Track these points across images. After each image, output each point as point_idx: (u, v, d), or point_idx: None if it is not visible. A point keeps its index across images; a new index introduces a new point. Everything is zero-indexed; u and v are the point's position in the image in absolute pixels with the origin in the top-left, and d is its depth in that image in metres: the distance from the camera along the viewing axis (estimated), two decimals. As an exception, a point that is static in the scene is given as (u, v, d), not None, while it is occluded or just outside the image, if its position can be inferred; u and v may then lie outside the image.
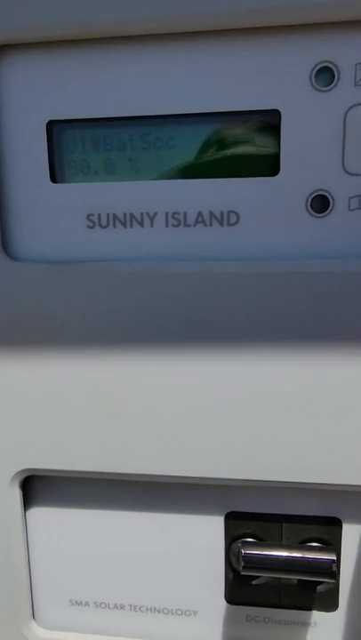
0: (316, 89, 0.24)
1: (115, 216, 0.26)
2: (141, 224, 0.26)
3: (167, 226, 0.26)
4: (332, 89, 0.24)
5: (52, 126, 0.26)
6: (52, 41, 0.25)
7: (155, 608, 0.31)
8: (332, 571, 0.26)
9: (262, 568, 0.27)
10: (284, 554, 0.27)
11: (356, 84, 0.24)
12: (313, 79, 0.24)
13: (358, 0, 0.22)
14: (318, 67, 0.24)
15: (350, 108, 0.24)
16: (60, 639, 0.32)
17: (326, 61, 0.24)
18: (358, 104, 0.24)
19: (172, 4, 0.23)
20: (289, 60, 0.24)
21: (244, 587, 0.30)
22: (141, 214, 0.26)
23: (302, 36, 0.24)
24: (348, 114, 0.24)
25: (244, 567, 0.27)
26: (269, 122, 0.25)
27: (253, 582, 0.30)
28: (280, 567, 0.27)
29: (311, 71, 0.24)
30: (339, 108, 0.24)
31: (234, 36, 0.24)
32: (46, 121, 0.26)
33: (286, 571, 0.27)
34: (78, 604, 0.32)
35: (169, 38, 0.24)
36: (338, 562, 0.28)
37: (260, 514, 0.29)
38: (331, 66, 0.24)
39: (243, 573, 0.27)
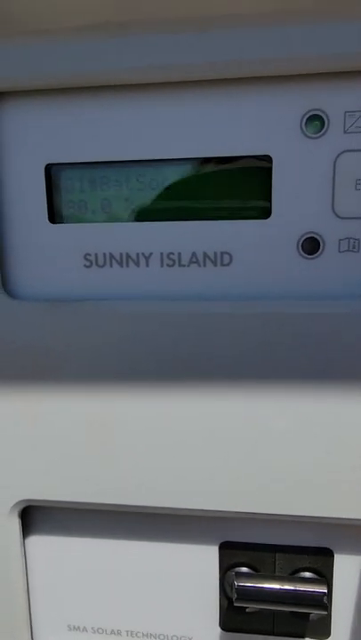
0: (306, 135, 0.25)
1: (111, 256, 0.27)
2: (137, 264, 0.27)
3: (162, 266, 0.27)
4: (322, 136, 0.25)
5: (50, 169, 0.27)
6: (50, 89, 0.26)
7: (151, 634, 0.32)
8: (323, 603, 0.26)
9: (255, 600, 0.27)
10: (277, 586, 0.27)
11: (345, 131, 0.25)
12: (304, 126, 0.25)
13: (346, 52, 0.23)
14: (309, 114, 0.25)
15: (340, 154, 0.25)
16: (59, 664, 0.32)
17: (316, 109, 0.24)
18: (347, 150, 0.25)
19: (167, 54, 0.24)
20: (281, 108, 0.25)
21: (238, 614, 0.30)
22: (137, 254, 0.27)
23: (293, 86, 0.24)
24: (337, 159, 0.25)
25: (237, 599, 0.27)
26: (262, 167, 0.25)
27: (247, 610, 0.30)
28: (273, 599, 0.27)
29: (302, 118, 0.25)
30: (329, 154, 0.25)
31: (228, 85, 0.25)
32: (45, 164, 0.27)
33: (279, 603, 0.27)
34: (76, 629, 0.32)
35: (164, 87, 0.25)
36: (329, 592, 0.28)
37: (254, 544, 0.29)
38: (321, 113, 0.24)
39: (236, 605, 0.28)
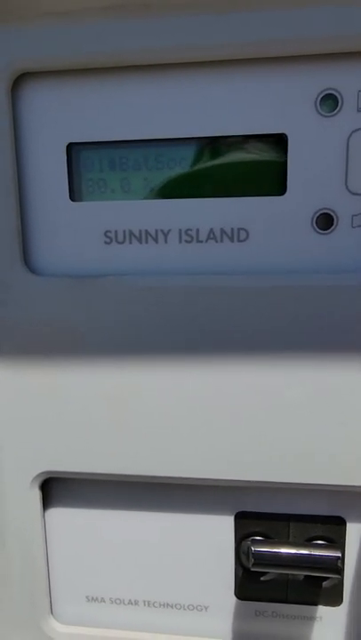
0: (320, 114, 0.26)
1: (131, 232, 0.28)
2: (156, 240, 0.28)
3: (180, 242, 0.28)
4: (335, 114, 0.26)
5: (71, 148, 0.28)
6: (71, 69, 0.26)
7: (167, 604, 0.33)
8: (337, 567, 0.27)
9: (271, 565, 0.28)
10: (292, 551, 0.28)
11: (358, 110, 0.25)
12: (318, 105, 0.26)
13: (357, 33, 0.24)
14: (323, 94, 0.25)
15: (353, 132, 0.26)
16: (77, 633, 0.33)
17: (330, 89, 0.25)
18: (360, 129, 0.26)
19: (187, 35, 0.25)
20: (296, 88, 0.26)
21: (252, 583, 0.31)
22: (156, 231, 0.28)
23: (308, 66, 0.25)
24: (350, 137, 0.26)
25: (254, 564, 0.28)
26: (277, 145, 0.26)
27: (262, 578, 0.31)
28: (288, 564, 0.28)
29: (316, 98, 0.26)
30: (342, 133, 0.26)
31: (245, 66, 0.26)
32: (66, 143, 0.28)
33: (294, 567, 0.28)
34: (94, 600, 0.33)
35: (183, 67, 0.26)
36: (342, 559, 0.29)
37: (268, 513, 0.30)
38: (335, 93, 0.25)
39: (253, 570, 0.29)
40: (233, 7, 0.24)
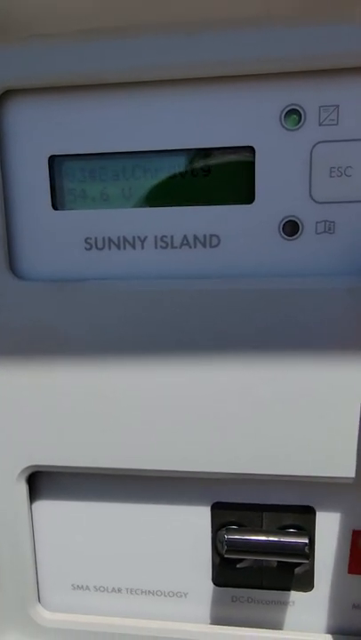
0: (285, 128, 0.27)
1: (110, 239, 0.30)
2: (133, 246, 0.30)
3: (156, 248, 0.29)
4: (299, 128, 0.27)
5: (53, 160, 0.29)
6: (53, 87, 0.28)
7: (149, 591, 0.34)
8: (304, 552, 0.29)
9: (243, 551, 0.30)
10: (263, 538, 0.30)
11: (320, 124, 0.27)
12: (283, 120, 0.27)
13: (321, 53, 0.26)
14: (287, 109, 0.27)
15: (315, 144, 0.27)
16: (64, 620, 0.35)
17: (294, 104, 0.27)
18: (322, 141, 0.27)
19: (159, 55, 0.27)
20: (262, 104, 0.27)
21: (229, 570, 0.33)
22: (133, 237, 0.30)
23: (273, 83, 0.27)
24: (313, 150, 0.27)
25: (227, 550, 0.30)
26: (245, 157, 0.28)
27: (238, 566, 0.33)
28: (259, 550, 0.30)
29: (281, 113, 0.27)
30: (306, 145, 0.27)
31: (215, 83, 0.27)
32: (48, 155, 0.29)
33: (265, 553, 0.30)
34: (80, 588, 0.35)
35: (157, 85, 0.28)
36: (312, 545, 0.31)
37: (243, 504, 0.32)
38: (298, 108, 0.27)
39: (226, 556, 0.30)
40: (203, 29, 0.26)
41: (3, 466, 0.32)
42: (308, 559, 0.29)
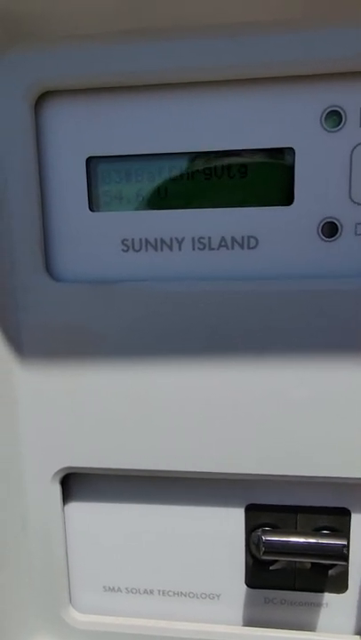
0: (325, 130, 0.27)
1: (147, 241, 0.30)
2: (171, 248, 0.30)
3: (194, 249, 0.29)
4: (339, 130, 0.27)
5: (89, 161, 0.29)
6: (90, 88, 0.28)
7: (181, 592, 0.34)
8: (343, 553, 0.29)
9: (281, 553, 0.30)
10: (301, 540, 0.30)
11: (360, 126, 0.27)
12: (323, 121, 0.27)
13: (360, 55, 0.26)
14: (328, 110, 0.27)
15: (356, 146, 0.27)
16: (95, 622, 0.35)
17: (335, 106, 0.27)
18: (363, 143, 0.27)
19: (200, 57, 0.27)
20: (302, 105, 0.27)
21: (262, 572, 0.33)
22: (171, 239, 0.30)
23: (314, 85, 0.27)
24: (354, 151, 0.27)
25: (264, 552, 0.30)
26: (286, 158, 0.28)
27: (271, 568, 0.33)
28: (297, 551, 0.30)
29: (322, 114, 0.27)
30: (346, 147, 0.27)
31: (256, 85, 0.27)
32: (86, 157, 0.29)
33: (302, 555, 0.30)
34: (111, 589, 0.35)
35: (197, 85, 0.28)
36: (348, 547, 0.31)
37: (277, 505, 0.32)
38: (339, 109, 0.27)
39: (263, 558, 0.30)
40: (243, 31, 0.26)
41: (37, 468, 0.32)
42: (346, 561, 0.29)
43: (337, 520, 0.32)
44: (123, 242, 0.30)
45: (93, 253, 0.30)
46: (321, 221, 0.28)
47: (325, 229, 0.28)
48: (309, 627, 0.33)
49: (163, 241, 0.30)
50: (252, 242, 0.29)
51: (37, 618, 0.35)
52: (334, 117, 0.27)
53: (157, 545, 0.34)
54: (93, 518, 0.34)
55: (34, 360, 0.31)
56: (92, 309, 0.30)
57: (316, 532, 0.31)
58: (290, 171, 0.28)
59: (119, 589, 0.35)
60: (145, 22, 0.27)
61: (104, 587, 0.35)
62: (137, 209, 0.30)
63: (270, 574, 0.33)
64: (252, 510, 0.32)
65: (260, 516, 0.32)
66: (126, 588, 0.35)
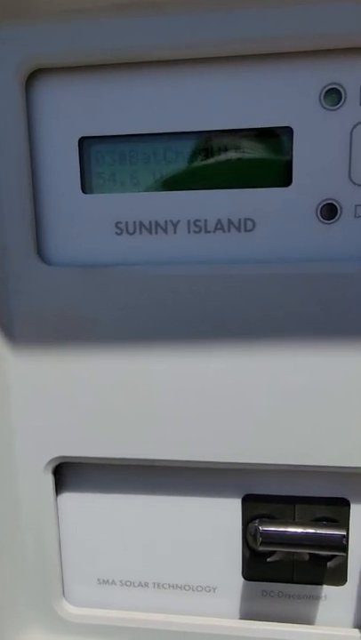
0: (325, 108, 0.27)
1: (141, 224, 0.29)
2: (165, 231, 0.29)
3: (189, 232, 0.29)
4: (339, 108, 0.27)
5: (82, 142, 0.29)
6: (82, 65, 0.27)
7: (177, 585, 0.33)
8: (342, 544, 0.28)
9: (278, 543, 0.29)
10: (299, 530, 0.29)
11: (361, 104, 0.26)
12: (322, 99, 0.27)
13: (360, 31, 0.25)
14: (327, 88, 0.26)
15: (356, 125, 0.27)
16: (88, 615, 0.34)
17: (334, 83, 0.26)
18: (363, 121, 0.27)
19: (195, 32, 0.26)
20: (301, 82, 0.26)
21: (259, 564, 0.32)
22: (165, 222, 0.29)
23: (312, 61, 0.26)
24: (354, 130, 0.27)
25: (261, 543, 0.29)
26: (283, 138, 0.27)
27: (268, 559, 0.32)
28: (295, 542, 0.29)
29: (321, 92, 0.26)
30: (346, 125, 0.27)
31: (252, 62, 0.26)
32: (78, 138, 0.28)
33: (301, 545, 0.29)
34: (105, 582, 0.34)
35: (192, 62, 0.27)
36: (347, 538, 0.30)
37: (275, 496, 0.31)
38: (338, 87, 0.26)
39: (260, 549, 0.30)
40: (240, 5, 0.25)
41: (29, 457, 0.32)
42: (345, 552, 0.29)
43: (336, 511, 0.31)
44: (116, 225, 0.29)
45: (86, 237, 0.29)
46: (320, 203, 0.28)
47: (324, 211, 0.28)
48: (308, 620, 0.32)
49: (157, 224, 0.29)
50: (250, 224, 0.28)
51: (30, 611, 0.34)
52: (334, 95, 0.26)
53: (152, 536, 0.33)
54: (87, 509, 0.33)
55: (26, 346, 0.30)
56: (85, 294, 0.29)
57: (314, 522, 0.31)
58: (288, 151, 0.27)
59: (113, 582, 0.34)
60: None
61: (98, 579, 0.34)
62: (131, 191, 0.29)
63: (268, 566, 0.32)
64: (249, 501, 0.32)
65: (258, 507, 0.32)
66: (121, 581, 0.34)
